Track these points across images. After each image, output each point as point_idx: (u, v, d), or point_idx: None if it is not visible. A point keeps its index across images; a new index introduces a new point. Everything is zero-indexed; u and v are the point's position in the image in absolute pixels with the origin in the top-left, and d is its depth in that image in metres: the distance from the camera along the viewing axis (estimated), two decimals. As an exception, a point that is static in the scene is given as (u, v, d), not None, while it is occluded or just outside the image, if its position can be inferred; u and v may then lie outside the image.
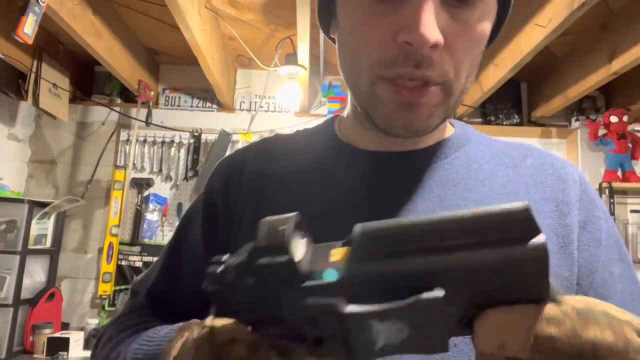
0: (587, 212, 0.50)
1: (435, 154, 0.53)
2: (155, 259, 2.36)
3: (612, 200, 2.46)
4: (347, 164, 0.54)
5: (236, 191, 0.56)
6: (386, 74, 0.44)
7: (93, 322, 2.36)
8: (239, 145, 2.65)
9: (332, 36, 0.54)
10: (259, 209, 0.53)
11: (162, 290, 0.60)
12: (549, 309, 0.27)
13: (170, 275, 0.60)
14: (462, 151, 0.54)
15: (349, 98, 0.57)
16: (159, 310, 0.59)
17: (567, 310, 0.28)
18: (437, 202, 0.49)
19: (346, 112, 0.59)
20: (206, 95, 2.75)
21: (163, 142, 2.68)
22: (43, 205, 2.32)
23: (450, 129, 0.57)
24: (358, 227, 0.29)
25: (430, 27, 0.41)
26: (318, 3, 0.53)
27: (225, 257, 0.33)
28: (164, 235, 2.61)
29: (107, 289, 2.44)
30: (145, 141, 2.67)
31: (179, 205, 2.63)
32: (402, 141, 0.52)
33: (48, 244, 2.42)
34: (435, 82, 0.44)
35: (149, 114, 2.58)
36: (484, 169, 0.52)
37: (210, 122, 2.71)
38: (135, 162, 2.65)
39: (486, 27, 0.46)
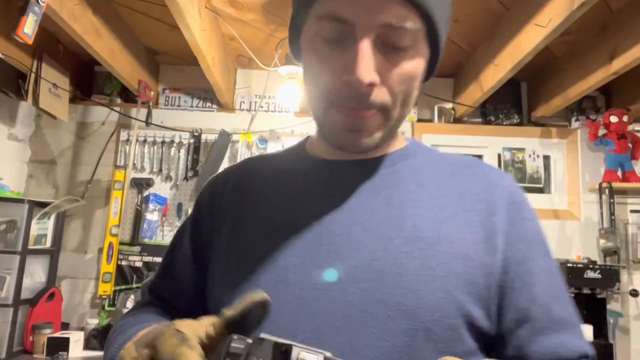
0: (515, 213, 0.60)
1: (386, 162, 0.63)
2: (155, 259, 2.41)
3: (612, 200, 2.46)
4: (311, 171, 0.65)
5: (219, 204, 0.67)
6: (336, 103, 0.55)
7: (93, 322, 2.36)
8: (239, 145, 2.66)
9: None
10: (237, 217, 0.64)
11: (161, 289, 0.71)
12: None
13: (166, 276, 0.71)
14: (409, 161, 0.64)
15: None
16: (159, 306, 0.69)
17: None
18: (384, 201, 0.59)
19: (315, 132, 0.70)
20: (206, 95, 2.76)
21: (163, 142, 2.68)
22: (43, 205, 2.32)
23: (402, 143, 0.67)
24: None
25: (365, 70, 0.51)
26: (289, 36, 0.64)
27: (248, 341, 0.38)
28: (164, 235, 2.61)
29: (107, 289, 2.44)
30: (145, 141, 2.67)
31: (179, 205, 2.63)
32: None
33: (48, 244, 2.42)
34: (375, 107, 0.54)
35: (149, 114, 2.58)
36: (425, 175, 0.63)
37: (210, 122, 2.71)
38: (135, 162, 2.65)
39: (417, 65, 0.56)
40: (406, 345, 0.50)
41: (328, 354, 0.38)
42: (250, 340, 0.38)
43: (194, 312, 0.51)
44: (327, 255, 0.55)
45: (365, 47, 0.51)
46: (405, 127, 2.69)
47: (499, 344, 0.55)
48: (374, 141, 0.57)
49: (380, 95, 0.54)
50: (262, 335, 0.39)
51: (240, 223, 0.63)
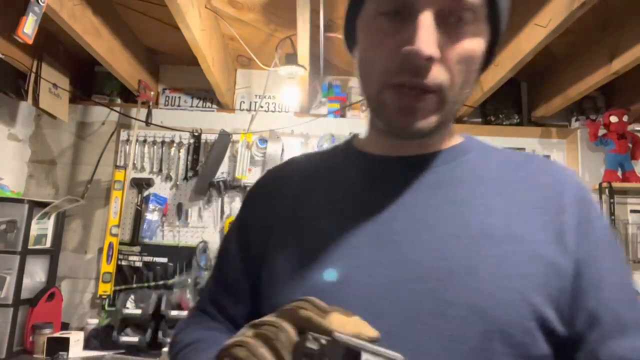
0: (584, 212, 0.56)
1: (445, 157, 0.60)
2: (155, 259, 2.41)
3: (612, 201, 2.46)
4: (365, 168, 0.62)
5: (267, 205, 0.66)
6: (391, 81, 0.52)
7: (93, 322, 2.36)
8: (239, 145, 2.65)
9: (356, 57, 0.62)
10: (291, 218, 0.63)
11: (219, 297, 0.70)
12: None
13: (220, 284, 0.70)
14: (469, 156, 0.61)
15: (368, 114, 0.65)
16: (218, 317, 0.69)
17: None
18: (446, 198, 0.56)
19: (364, 130, 0.68)
20: (206, 95, 2.75)
21: (163, 142, 2.68)
22: (43, 205, 2.32)
23: (458, 139, 0.64)
24: None
25: (426, 42, 0.49)
26: (344, 30, 0.62)
27: (322, 342, 0.40)
28: (163, 235, 2.61)
29: (107, 289, 2.44)
30: (145, 141, 2.67)
31: (179, 205, 2.63)
32: (415, 146, 0.60)
33: (48, 244, 2.42)
34: (431, 90, 0.51)
35: (149, 114, 2.58)
36: (489, 171, 0.59)
37: (210, 122, 2.71)
38: (135, 162, 2.65)
39: (477, 45, 0.54)
40: (483, 349, 0.48)
41: (399, 357, 0.38)
42: (324, 341, 0.39)
43: (252, 318, 0.49)
44: (389, 254, 0.53)
45: (427, 19, 0.50)
46: (405, 127, 2.69)
47: (571, 348, 0.52)
48: (429, 125, 0.54)
49: (438, 74, 0.51)
50: (336, 335, 0.38)
51: (295, 224, 0.61)
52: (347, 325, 0.40)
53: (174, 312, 2.33)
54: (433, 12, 0.50)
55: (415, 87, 0.51)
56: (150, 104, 2.60)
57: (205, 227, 2.62)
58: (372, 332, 0.42)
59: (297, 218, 0.61)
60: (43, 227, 2.37)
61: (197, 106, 2.77)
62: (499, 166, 0.60)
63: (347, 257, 0.54)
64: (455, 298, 0.49)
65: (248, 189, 0.73)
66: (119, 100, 2.71)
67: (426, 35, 0.49)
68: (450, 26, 0.51)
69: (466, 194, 0.56)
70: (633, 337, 0.51)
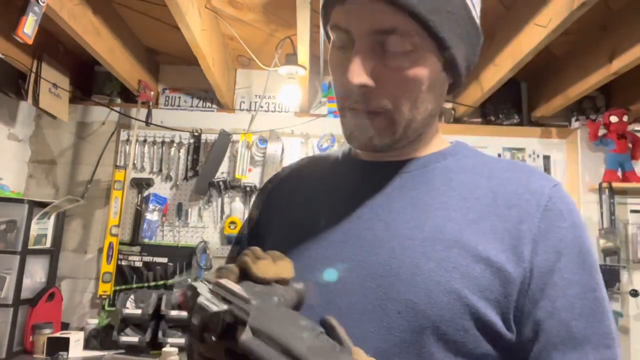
0: (550, 222, 0.56)
1: (418, 163, 0.64)
2: (155, 258, 2.41)
3: (612, 201, 2.46)
4: (349, 171, 0.69)
5: (270, 200, 0.75)
6: (346, 106, 0.60)
7: (93, 322, 2.36)
8: (239, 145, 2.65)
9: None
10: (283, 213, 0.71)
11: None
12: None
13: None
14: (443, 163, 0.64)
15: None
16: None
17: None
18: (410, 201, 0.61)
19: None
20: (206, 95, 2.76)
21: (163, 142, 2.68)
22: (43, 205, 2.32)
23: (443, 146, 0.67)
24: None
25: (356, 73, 0.55)
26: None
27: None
28: (163, 235, 2.61)
29: (107, 289, 2.44)
30: (145, 141, 2.67)
31: (179, 205, 2.63)
32: (393, 154, 0.64)
33: (48, 244, 2.42)
34: (376, 112, 0.58)
35: (149, 114, 2.58)
36: (459, 177, 0.62)
37: (210, 122, 2.71)
38: (135, 162, 2.65)
39: (420, 72, 0.57)
40: (414, 342, 0.52)
41: (246, 296, 0.40)
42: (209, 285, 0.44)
43: None
44: (352, 250, 0.59)
45: (358, 52, 0.56)
46: (405, 127, 2.70)
47: (522, 355, 0.54)
48: (383, 142, 0.60)
49: (378, 98, 0.57)
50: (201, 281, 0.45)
51: (285, 219, 0.69)
52: (268, 270, 0.46)
53: (174, 312, 2.33)
54: (367, 45, 0.55)
55: (364, 110, 0.58)
56: (150, 104, 2.60)
57: (205, 227, 2.62)
58: (287, 274, 0.48)
59: (290, 216, 0.69)
60: (43, 227, 2.37)
61: (197, 106, 2.77)
62: (472, 172, 0.62)
63: (319, 250, 0.61)
64: (396, 294, 0.54)
65: (264, 184, 0.80)
66: (119, 100, 2.72)
67: (356, 66, 0.55)
68: (389, 55, 0.56)
69: (429, 199, 0.60)
70: (583, 352, 0.52)
